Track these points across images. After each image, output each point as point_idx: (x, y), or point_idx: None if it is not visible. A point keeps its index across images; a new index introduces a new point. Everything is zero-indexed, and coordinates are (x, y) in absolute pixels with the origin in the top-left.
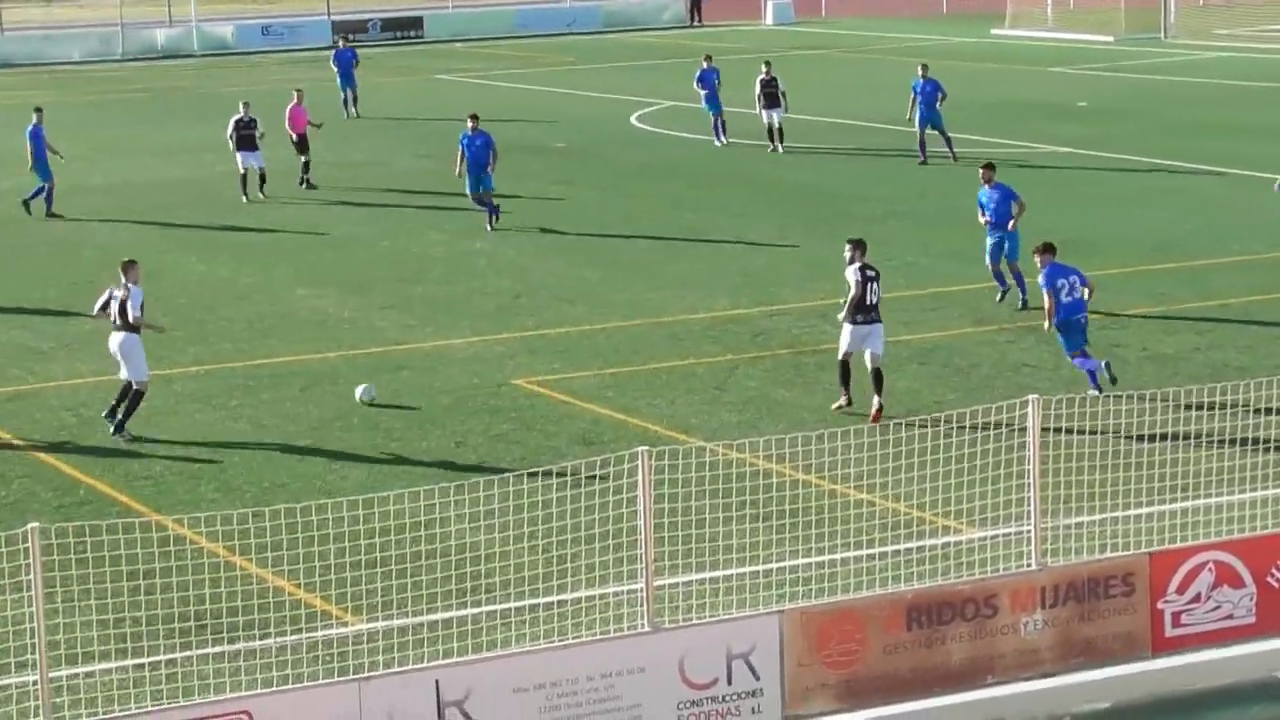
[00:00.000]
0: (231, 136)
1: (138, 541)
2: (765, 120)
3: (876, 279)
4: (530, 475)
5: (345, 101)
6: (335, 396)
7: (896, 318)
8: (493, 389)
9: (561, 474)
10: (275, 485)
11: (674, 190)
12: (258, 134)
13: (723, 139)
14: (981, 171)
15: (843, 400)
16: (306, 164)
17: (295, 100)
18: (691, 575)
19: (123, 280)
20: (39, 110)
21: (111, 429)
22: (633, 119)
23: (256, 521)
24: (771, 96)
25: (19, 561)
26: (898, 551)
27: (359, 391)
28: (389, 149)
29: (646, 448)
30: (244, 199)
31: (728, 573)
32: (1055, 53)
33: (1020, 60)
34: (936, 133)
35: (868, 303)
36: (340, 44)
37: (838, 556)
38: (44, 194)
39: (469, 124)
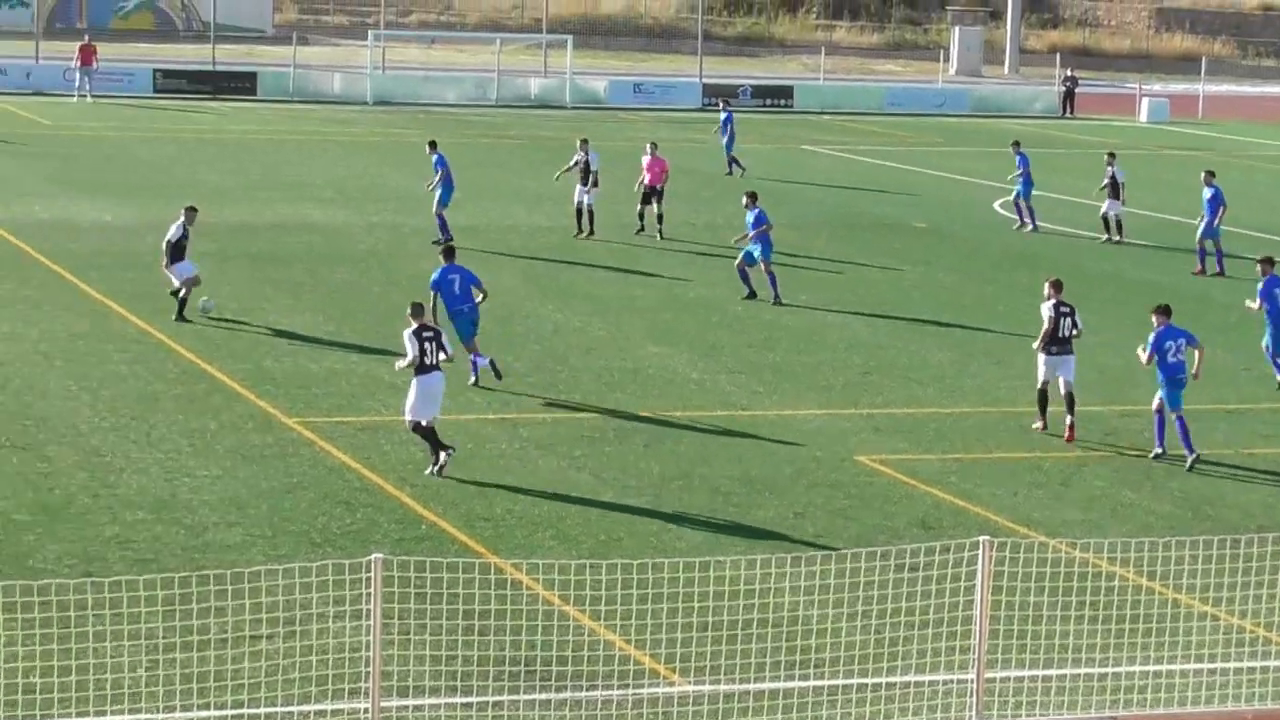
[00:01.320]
0: (568, 170)
1: (475, 582)
2: (1106, 211)
3: (1070, 314)
4: (868, 554)
5: (732, 162)
6: (677, 456)
7: (1254, 429)
8: (835, 463)
9: (899, 556)
10: (612, 539)
11: (1032, 280)
12: (594, 171)
13: (1030, 223)
14: (1259, 266)
15: (1039, 424)
16: (660, 216)
17: (650, 152)
18: (1024, 671)
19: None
20: (433, 143)
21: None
22: (995, 205)
23: (592, 574)
24: (1114, 188)
25: (360, 590)
26: (1240, 670)
27: (201, 302)
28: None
29: (988, 537)
30: (578, 233)
31: (1060, 672)
32: None
33: None
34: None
35: (1060, 335)
36: (722, 106)
37: (1176, 668)
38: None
39: (744, 199)
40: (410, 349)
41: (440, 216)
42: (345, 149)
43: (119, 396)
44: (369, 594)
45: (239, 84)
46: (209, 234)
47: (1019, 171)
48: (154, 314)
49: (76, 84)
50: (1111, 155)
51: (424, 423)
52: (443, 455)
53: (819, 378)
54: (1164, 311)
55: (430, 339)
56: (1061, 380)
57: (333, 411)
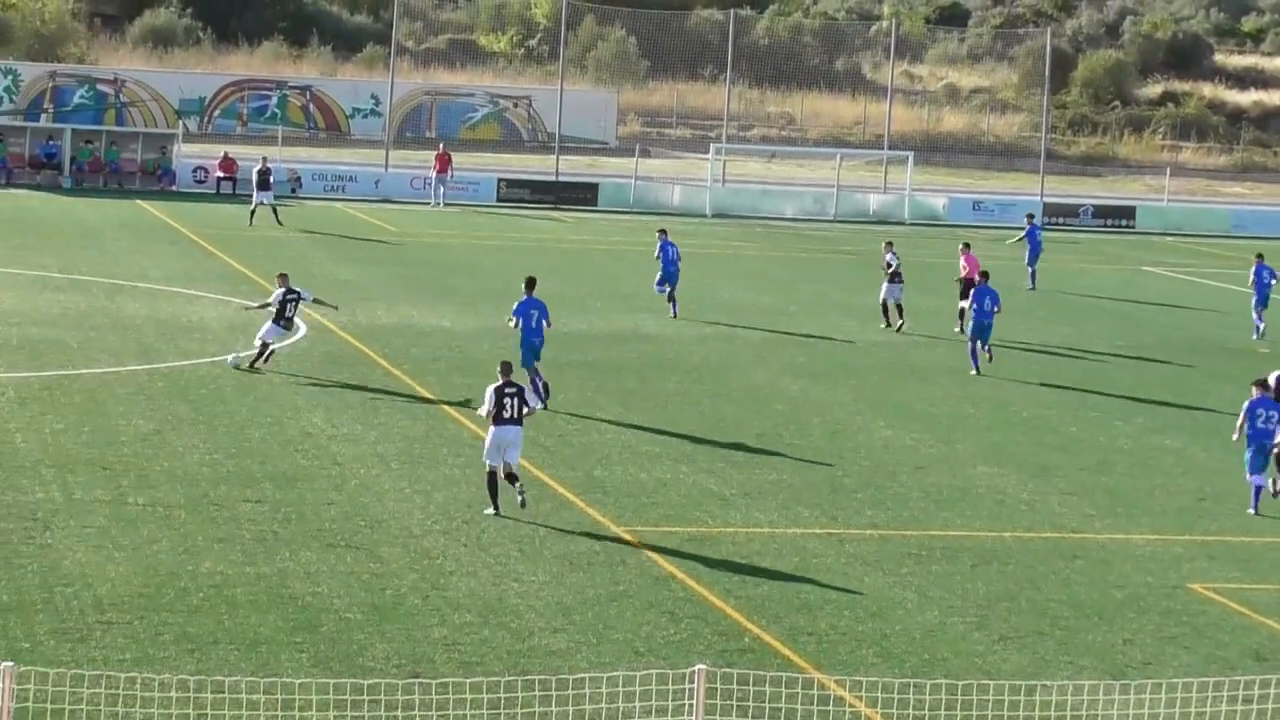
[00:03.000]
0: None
1: (797, 697)
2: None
3: None
4: (1199, 684)
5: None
6: (1004, 577)
7: None
8: (1167, 590)
9: (1232, 687)
10: (936, 658)
11: None
12: (899, 270)
13: None
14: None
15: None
16: (962, 312)
17: (964, 250)
18: None
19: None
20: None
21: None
22: None
23: (915, 693)
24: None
25: (682, 701)
26: None
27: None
28: (1085, 335)
29: None
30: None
31: None
32: None
33: None
34: None
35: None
36: (1027, 222)
37: None
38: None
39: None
40: (486, 403)
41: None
42: (683, 260)
43: (451, 500)
44: (691, 705)
45: (580, 194)
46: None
47: None
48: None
49: (432, 191)
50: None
51: (494, 469)
52: (492, 509)
53: (1153, 502)
54: (1262, 385)
55: (511, 395)
56: None
57: (660, 521)
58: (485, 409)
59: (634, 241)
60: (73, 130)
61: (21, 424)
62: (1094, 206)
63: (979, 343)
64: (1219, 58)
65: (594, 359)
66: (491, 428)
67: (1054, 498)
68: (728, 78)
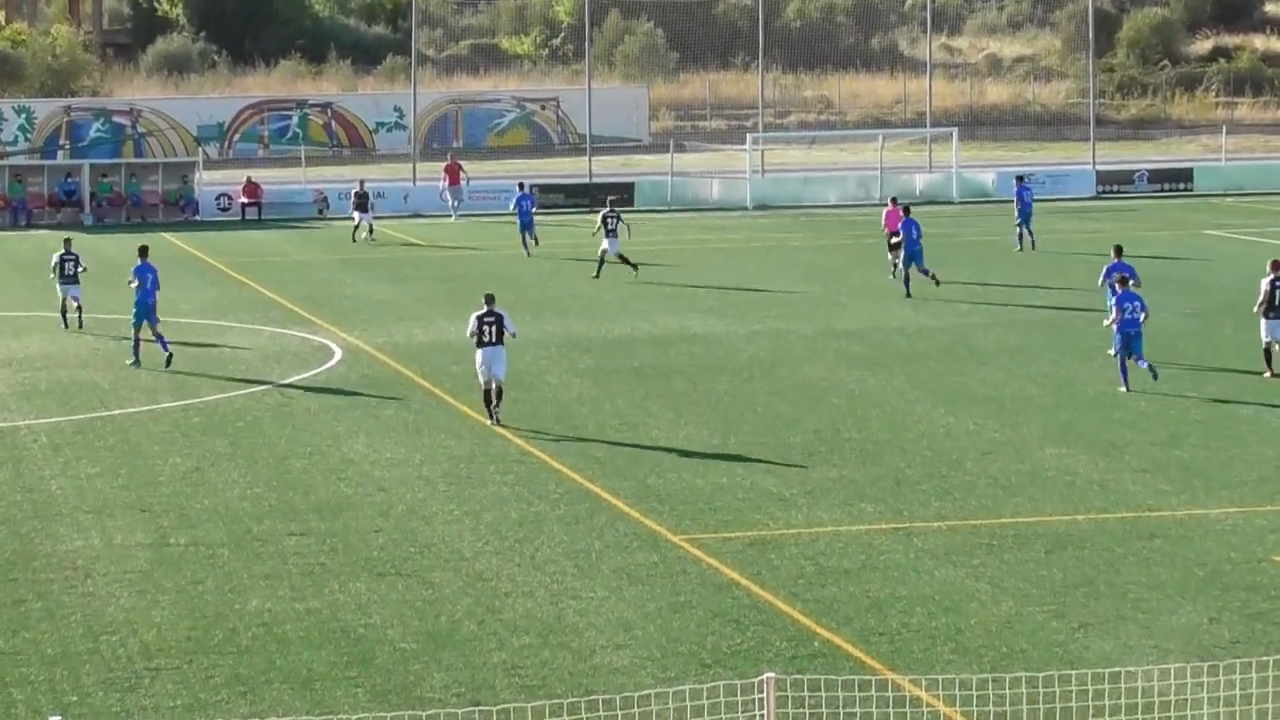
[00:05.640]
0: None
1: (872, 700)
2: None
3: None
4: None
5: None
6: (1080, 562)
7: None
8: (1252, 564)
9: None
10: (1015, 651)
11: None
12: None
13: None
14: None
15: (1268, 374)
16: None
17: (892, 202)
18: None
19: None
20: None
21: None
22: None
23: (995, 688)
24: None
25: (753, 711)
26: None
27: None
28: (1149, 305)
29: None
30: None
31: None
32: None
33: None
34: None
35: (1276, 303)
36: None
37: None
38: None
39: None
40: (469, 328)
41: None
42: (725, 256)
43: (502, 519)
44: (762, 714)
45: (616, 195)
46: (588, 348)
47: None
48: (535, 434)
49: (450, 204)
50: None
51: (489, 386)
52: (490, 420)
53: (1231, 474)
54: None
55: (489, 322)
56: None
57: (719, 527)
58: (469, 332)
59: (674, 240)
60: (91, 165)
61: (56, 470)
62: (1149, 171)
63: (913, 268)
64: (1270, 8)
65: (641, 363)
66: (476, 350)
67: (1127, 476)
68: (760, 64)
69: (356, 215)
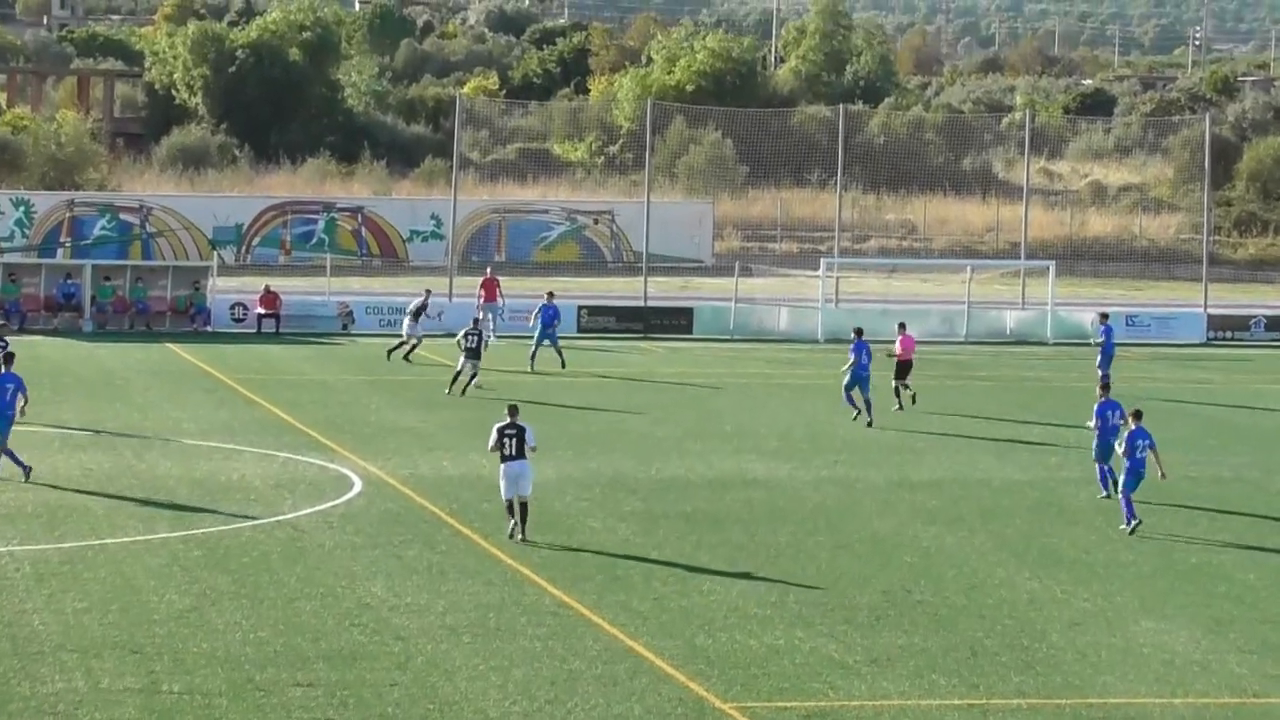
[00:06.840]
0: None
1: None
2: None
3: None
4: None
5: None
6: None
7: None
8: None
9: None
10: None
11: None
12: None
13: None
14: None
15: None
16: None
17: (900, 330)
18: None
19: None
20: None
21: None
22: None
23: None
24: None
25: None
26: None
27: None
28: (1264, 465)
29: None
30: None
31: None
32: None
33: None
34: None
35: None
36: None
37: None
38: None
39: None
40: (491, 440)
41: None
42: (792, 392)
43: (532, 677)
44: None
45: (673, 321)
46: (635, 489)
47: None
48: (573, 583)
49: (490, 325)
50: None
51: (511, 501)
52: (512, 525)
53: None
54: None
55: (510, 435)
56: None
57: (773, 695)
58: (490, 445)
59: (736, 373)
60: (93, 266)
61: (39, 603)
62: (1266, 318)
63: (854, 391)
64: None
65: (694, 509)
66: (500, 465)
67: (1232, 656)
68: (839, 182)
69: (409, 326)
